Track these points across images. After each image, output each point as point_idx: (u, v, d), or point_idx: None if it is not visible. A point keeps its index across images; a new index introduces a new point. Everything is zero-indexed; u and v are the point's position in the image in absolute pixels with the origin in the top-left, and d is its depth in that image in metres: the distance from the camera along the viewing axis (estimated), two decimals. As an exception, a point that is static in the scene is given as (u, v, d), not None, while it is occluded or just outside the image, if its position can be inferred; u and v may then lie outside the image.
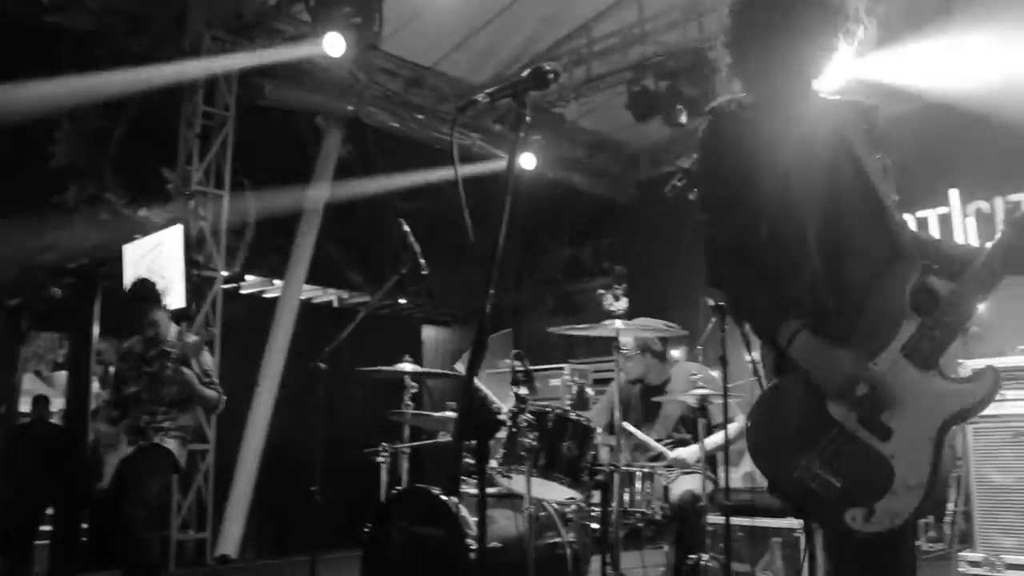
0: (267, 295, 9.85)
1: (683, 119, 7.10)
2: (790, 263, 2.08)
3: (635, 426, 4.57)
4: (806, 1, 2.13)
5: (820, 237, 2.07)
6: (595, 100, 8.25)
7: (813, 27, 2.13)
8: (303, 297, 8.88)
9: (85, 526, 6.37)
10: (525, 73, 2.08)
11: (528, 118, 2.06)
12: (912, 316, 2.00)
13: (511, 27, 7.86)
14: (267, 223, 8.17)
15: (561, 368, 7.06)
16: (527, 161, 8.08)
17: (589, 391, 6.35)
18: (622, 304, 4.97)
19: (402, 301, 10.07)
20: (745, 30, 2.18)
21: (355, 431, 5.59)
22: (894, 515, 1.89)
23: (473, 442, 2.13)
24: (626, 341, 4.61)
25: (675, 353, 4.97)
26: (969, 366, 4.08)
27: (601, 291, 6.79)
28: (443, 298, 11.06)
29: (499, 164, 8.12)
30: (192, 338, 4.67)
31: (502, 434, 3.82)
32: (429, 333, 11.45)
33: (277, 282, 9.09)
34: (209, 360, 4.87)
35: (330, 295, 10.53)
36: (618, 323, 3.88)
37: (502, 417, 3.83)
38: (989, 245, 2.00)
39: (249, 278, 9.09)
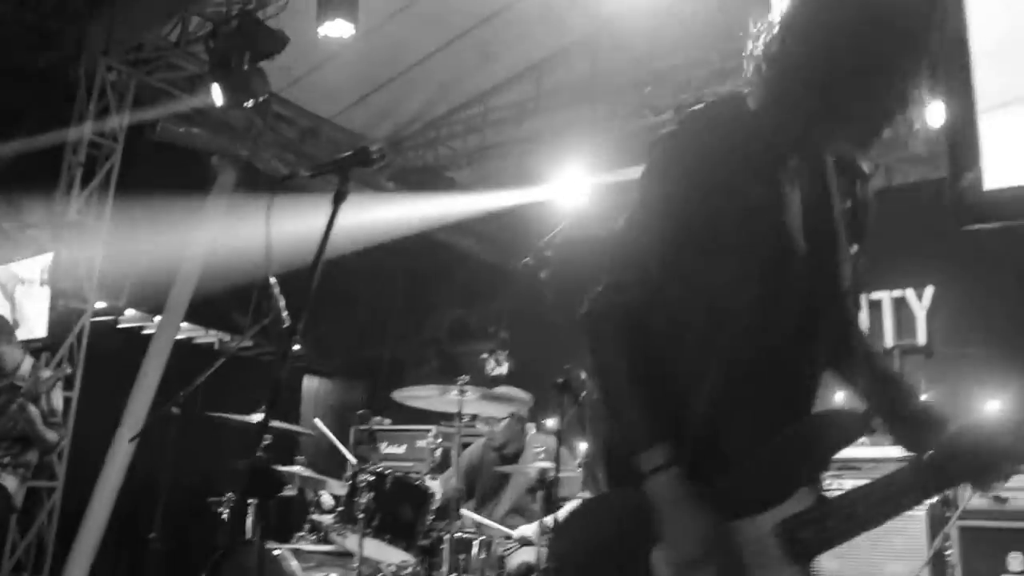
0: (146, 331, 9.65)
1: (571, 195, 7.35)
2: (690, 367, 1.68)
3: (489, 493, 4.64)
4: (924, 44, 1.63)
5: (743, 349, 1.66)
6: (488, 168, 8.44)
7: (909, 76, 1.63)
8: (184, 336, 8.72)
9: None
10: (350, 152, 2.19)
11: (348, 193, 2.16)
12: (813, 490, 1.61)
13: (411, 89, 8.01)
14: (155, 258, 8.03)
15: (429, 429, 7.08)
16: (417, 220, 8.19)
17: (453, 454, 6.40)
18: (503, 369, 5.07)
19: (296, 348, 9.96)
20: (837, 48, 1.60)
21: (209, 479, 5.50)
22: None
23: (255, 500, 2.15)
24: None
25: (529, 427, 5.06)
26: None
27: (484, 355, 6.90)
28: (327, 349, 11.01)
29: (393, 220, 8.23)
30: (46, 373, 4.58)
31: (342, 492, 3.85)
32: (311, 384, 11.34)
33: (158, 318, 8.93)
34: (59, 399, 4.77)
35: (212, 337, 10.36)
36: (454, 392, 3.95)
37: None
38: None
39: (130, 312, 8.90)
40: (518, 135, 7.89)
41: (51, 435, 4.58)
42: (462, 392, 3.84)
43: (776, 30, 1.68)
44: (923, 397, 1.89)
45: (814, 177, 1.76)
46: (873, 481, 1.60)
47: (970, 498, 5.38)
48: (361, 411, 4.01)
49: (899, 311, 7.92)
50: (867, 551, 5.23)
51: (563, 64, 7.86)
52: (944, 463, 1.59)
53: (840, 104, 1.63)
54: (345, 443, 6.28)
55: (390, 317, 10.91)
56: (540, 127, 7.80)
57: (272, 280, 4.76)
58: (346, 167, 2.17)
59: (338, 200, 2.18)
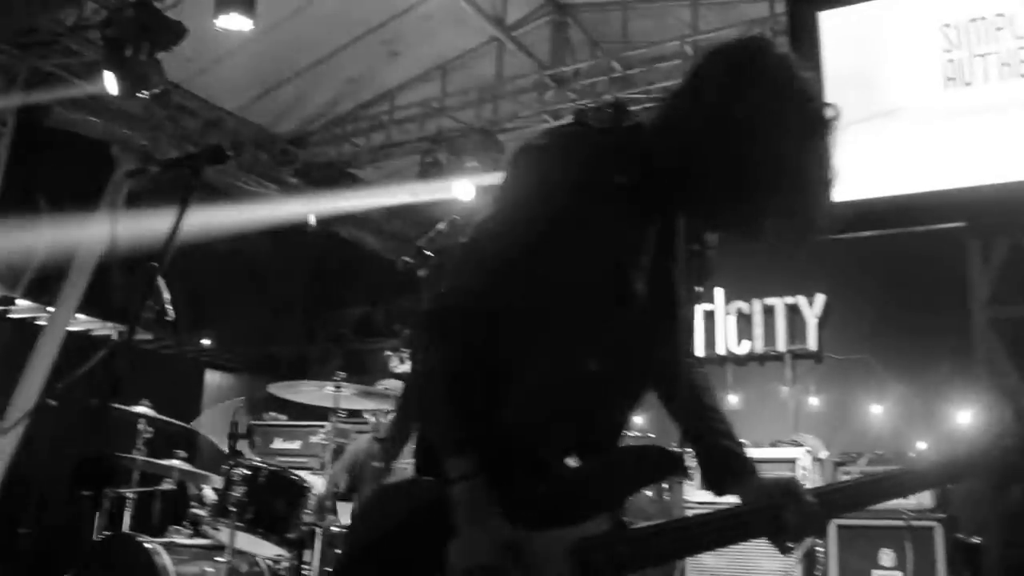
0: (40, 322, 9.40)
1: (466, 195, 7.41)
2: (521, 376, 1.71)
3: (372, 487, 4.67)
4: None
5: (572, 367, 1.71)
6: (391, 166, 8.46)
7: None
8: (80, 328, 8.53)
9: None
10: (202, 149, 2.22)
11: (196, 189, 2.19)
12: (613, 516, 1.66)
13: (316, 85, 7.98)
14: (52, 248, 7.84)
15: (323, 425, 7.08)
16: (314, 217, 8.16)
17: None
18: (407, 367, 5.10)
19: (204, 342, 9.86)
20: (735, 141, 1.58)
21: (77, 472, 5.41)
22: None
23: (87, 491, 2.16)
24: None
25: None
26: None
27: (388, 352, 6.92)
28: (232, 343, 10.88)
29: (292, 214, 8.20)
30: None
31: (219, 485, 3.86)
32: (213, 378, 11.19)
33: (52, 309, 8.71)
34: None
35: (109, 328, 10.15)
36: (329, 388, 3.98)
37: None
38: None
39: (22, 303, 8.67)
40: (422, 133, 7.92)
41: None
42: (338, 387, 3.87)
43: (687, 88, 1.67)
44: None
45: (665, 220, 1.76)
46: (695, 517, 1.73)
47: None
48: (240, 405, 3.98)
49: (792, 318, 8.19)
50: (743, 548, 5.41)
51: (468, 65, 7.94)
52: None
53: (717, 200, 1.65)
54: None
55: (296, 313, 10.85)
56: (444, 126, 7.85)
57: (157, 272, 4.75)
58: (199, 163, 2.20)
59: (186, 194, 2.20)
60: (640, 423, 5.74)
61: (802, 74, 1.62)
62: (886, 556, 6.33)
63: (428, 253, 3.72)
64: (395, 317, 10.41)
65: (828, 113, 1.62)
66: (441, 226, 3.81)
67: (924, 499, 6.36)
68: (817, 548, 5.25)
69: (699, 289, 1.87)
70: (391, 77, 8.08)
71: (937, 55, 3.56)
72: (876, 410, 7.79)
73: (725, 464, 1.86)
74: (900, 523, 6.25)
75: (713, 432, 1.89)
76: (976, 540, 6.82)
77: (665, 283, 1.76)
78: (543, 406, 1.71)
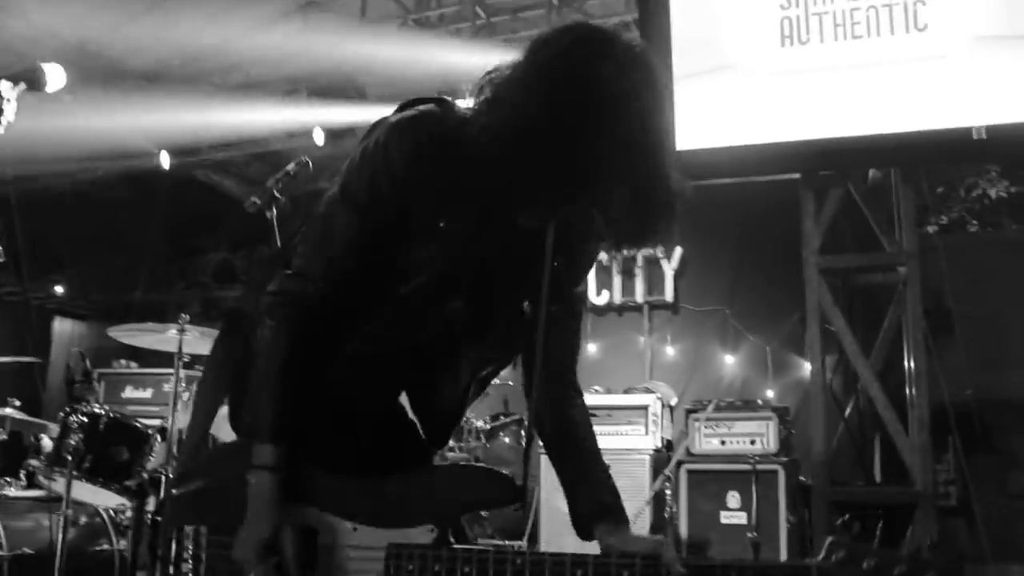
0: None
1: (320, 140, 7.27)
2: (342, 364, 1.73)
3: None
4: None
5: (393, 355, 1.75)
6: (250, 107, 8.18)
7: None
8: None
9: None
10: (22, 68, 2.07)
11: (5, 108, 2.03)
12: (439, 532, 1.64)
13: (176, 20, 7.62)
14: None
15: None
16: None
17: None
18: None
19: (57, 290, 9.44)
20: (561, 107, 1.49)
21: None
22: None
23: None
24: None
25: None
26: None
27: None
28: (84, 290, 10.43)
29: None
30: None
31: (51, 434, 3.69)
32: (63, 326, 10.71)
33: None
34: None
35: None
36: (173, 331, 3.86)
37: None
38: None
39: None
40: (282, 74, 7.67)
41: None
42: (182, 331, 3.75)
43: (510, 72, 1.57)
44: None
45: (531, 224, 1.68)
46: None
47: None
48: (77, 350, 3.80)
49: (650, 270, 8.37)
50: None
51: (331, 6, 7.71)
52: None
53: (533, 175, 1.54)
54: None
55: (152, 259, 10.46)
56: (305, 68, 7.63)
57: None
58: (13, 82, 2.04)
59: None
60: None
61: (635, 44, 1.55)
62: (733, 498, 6.62)
63: (277, 195, 3.60)
64: (255, 264, 10.17)
65: (663, 78, 1.56)
66: (291, 167, 3.70)
67: (770, 444, 6.67)
68: (666, 491, 5.42)
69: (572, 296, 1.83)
70: (251, 14, 7.77)
71: (775, 13, 3.66)
72: (728, 360, 8.08)
73: (598, 514, 1.76)
74: (747, 467, 6.54)
75: (587, 479, 1.81)
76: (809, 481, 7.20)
77: (505, 288, 1.73)
78: (372, 397, 1.77)
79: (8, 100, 2.01)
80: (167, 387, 7.09)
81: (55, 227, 8.41)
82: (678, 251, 8.26)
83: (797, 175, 3.96)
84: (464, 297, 1.69)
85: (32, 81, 2.05)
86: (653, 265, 8.34)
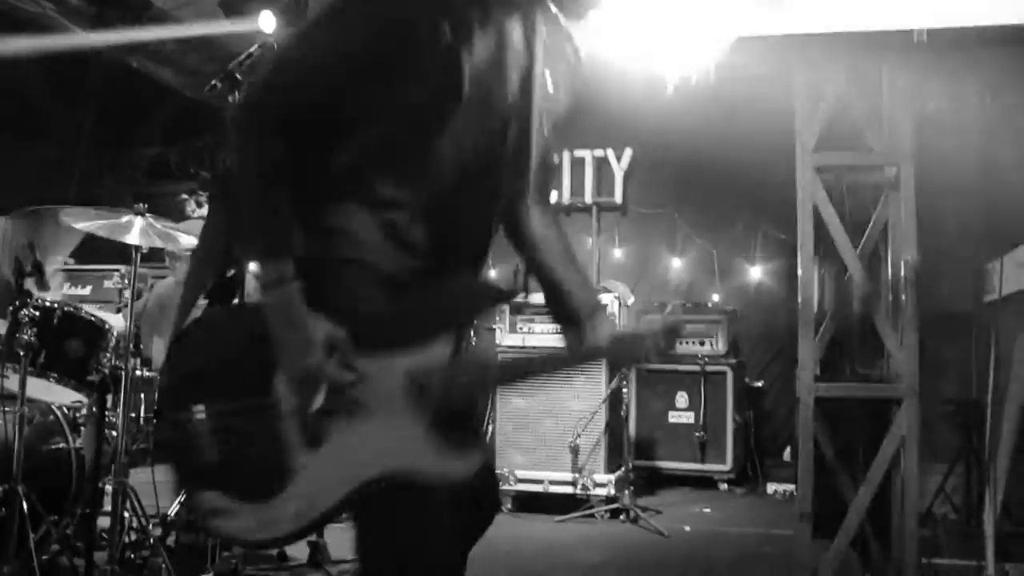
0: None
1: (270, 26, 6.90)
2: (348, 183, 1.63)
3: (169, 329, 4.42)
4: None
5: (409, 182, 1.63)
6: (189, -8, 7.76)
7: None
8: None
9: None
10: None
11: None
12: (453, 346, 1.62)
13: None
14: None
15: (117, 269, 6.64)
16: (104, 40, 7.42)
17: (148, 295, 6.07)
18: (204, 211, 4.75)
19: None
20: None
21: None
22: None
23: None
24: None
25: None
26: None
27: (184, 196, 6.46)
28: (7, 185, 9.96)
29: (77, 40, 7.40)
30: None
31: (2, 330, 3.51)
32: (-20, 221, 10.25)
33: None
34: None
35: None
36: (132, 219, 3.65)
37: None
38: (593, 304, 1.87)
39: None
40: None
41: None
42: (141, 216, 3.56)
43: None
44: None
45: (520, 30, 1.68)
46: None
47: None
48: (26, 243, 3.61)
49: (599, 170, 8.31)
50: (553, 389, 5.57)
51: None
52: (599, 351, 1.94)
53: None
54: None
55: (81, 153, 10.00)
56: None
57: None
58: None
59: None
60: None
61: None
62: (681, 398, 6.74)
63: (239, 78, 3.40)
64: (192, 159, 9.81)
65: None
66: (253, 50, 3.49)
67: (718, 346, 6.78)
68: (623, 389, 5.47)
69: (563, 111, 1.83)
70: None
71: None
72: (676, 263, 8.12)
73: (596, 309, 1.90)
74: (695, 368, 6.65)
75: (583, 282, 1.95)
76: (759, 383, 7.38)
77: (517, 95, 1.69)
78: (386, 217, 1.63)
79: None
80: (108, 284, 6.88)
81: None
82: (628, 152, 8.20)
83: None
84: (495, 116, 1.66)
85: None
86: (603, 165, 8.27)
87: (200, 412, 1.55)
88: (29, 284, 3.55)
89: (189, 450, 1.55)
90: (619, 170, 8.26)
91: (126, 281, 5.35)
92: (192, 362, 1.61)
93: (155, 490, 3.80)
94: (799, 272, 3.12)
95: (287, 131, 1.56)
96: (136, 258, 3.58)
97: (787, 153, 3.17)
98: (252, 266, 3.73)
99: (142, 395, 3.80)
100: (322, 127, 1.61)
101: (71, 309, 3.62)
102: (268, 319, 1.54)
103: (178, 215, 5.51)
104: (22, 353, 3.33)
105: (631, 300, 6.64)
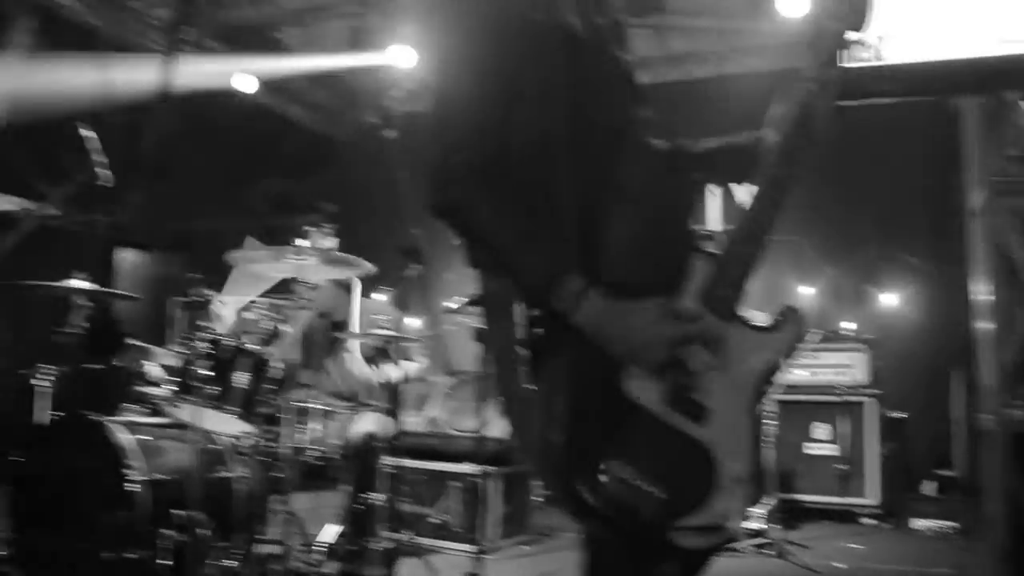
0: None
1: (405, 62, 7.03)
2: (547, 187, 1.59)
3: (317, 360, 4.51)
4: None
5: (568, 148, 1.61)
6: (317, 30, 7.98)
7: None
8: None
9: None
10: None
11: (190, 15, 1.90)
12: (698, 252, 1.58)
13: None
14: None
15: (254, 302, 6.80)
16: (246, 84, 7.66)
17: (286, 328, 6.20)
18: (330, 243, 4.86)
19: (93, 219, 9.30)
20: None
21: (10, 352, 5.07)
22: (724, 519, 1.50)
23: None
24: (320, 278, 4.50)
25: (377, 296, 4.94)
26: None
27: (308, 228, 6.62)
28: (141, 220, 10.34)
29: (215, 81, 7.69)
30: None
31: (174, 362, 3.62)
32: (125, 257, 10.67)
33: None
34: None
35: (9, 204, 9.49)
36: (300, 256, 3.74)
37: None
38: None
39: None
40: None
41: None
42: (302, 254, 3.65)
43: None
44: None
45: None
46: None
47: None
48: (192, 277, 3.72)
49: (726, 199, 8.17)
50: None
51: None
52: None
53: None
54: (165, 316, 5.95)
55: (209, 187, 10.34)
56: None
57: (86, 133, 4.34)
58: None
59: (177, 27, 1.91)
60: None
61: None
62: (819, 429, 6.54)
63: (396, 113, 3.46)
64: (317, 192, 10.04)
65: None
66: (406, 85, 3.55)
67: (858, 375, 6.57)
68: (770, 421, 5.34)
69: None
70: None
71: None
72: (805, 291, 7.92)
73: None
74: (834, 399, 6.46)
75: None
76: (903, 415, 7.11)
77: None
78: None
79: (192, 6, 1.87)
80: (247, 315, 7.04)
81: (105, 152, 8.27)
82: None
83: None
84: None
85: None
86: (729, 194, 8.13)
87: (613, 468, 1.47)
88: (200, 318, 3.65)
89: (642, 500, 1.47)
90: (748, 196, 8.11)
91: (270, 312, 5.49)
92: (575, 427, 1.50)
93: (313, 517, 3.87)
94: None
95: (486, 179, 1.56)
96: (295, 293, 3.66)
97: (920, 176, 3.05)
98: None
99: (301, 426, 3.86)
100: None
101: (239, 343, 3.71)
102: (593, 332, 1.49)
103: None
104: (195, 385, 3.41)
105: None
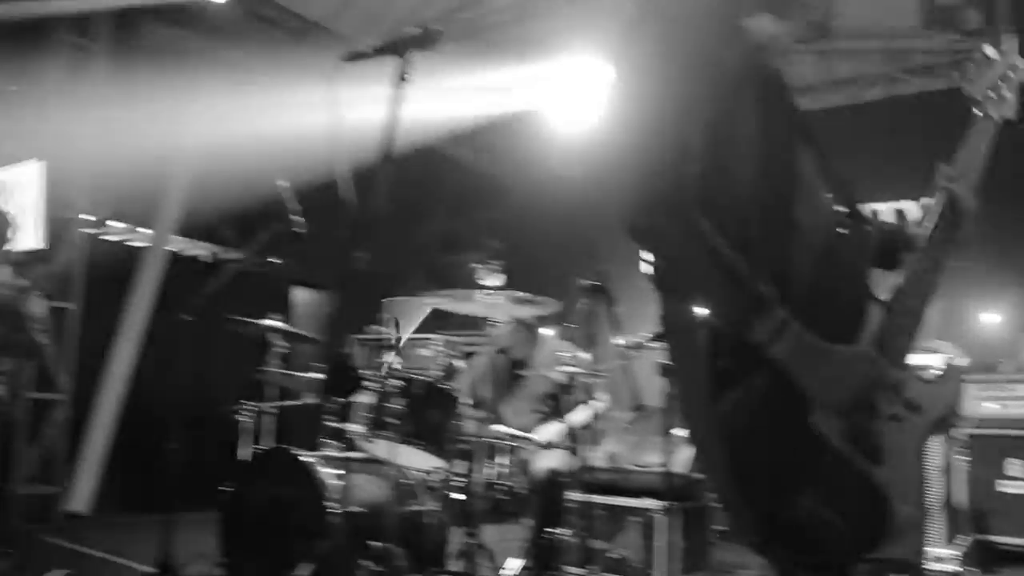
0: (132, 243, 9.45)
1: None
2: (745, 214, 1.62)
3: (499, 397, 4.61)
4: None
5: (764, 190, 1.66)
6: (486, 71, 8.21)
7: None
8: (171, 248, 8.56)
9: None
10: (412, 31, 2.06)
11: (407, 77, 2.04)
12: (874, 300, 1.65)
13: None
14: (138, 168, 7.79)
15: (429, 338, 7.05)
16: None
17: (459, 364, 6.37)
18: (497, 279, 5.00)
19: (274, 261, 9.82)
20: None
21: (216, 389, 5.44)
22: (905, 557, 1.55)
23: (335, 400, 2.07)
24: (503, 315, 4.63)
25: (544, 331, 5.02)
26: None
27: (475, 265, 6.81)
28: (316, 260, 10.83)
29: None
30: (21, 282, 4.42)
31: (367, 399, 3.80)
32: (300, 295, 11.22)
33: (142, 230, 8.74)
34: (39, 307, 4.54)
35: (200, 248, 10.17)
36: (488, 296, 3.87)
37: (370, 383, 3.79)
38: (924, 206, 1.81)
39: (115, 225, 8.70)
40: (519, 34, 7.64)
41: (40, 338, 4.46)
42: (490, 294, 3.78)
43: None
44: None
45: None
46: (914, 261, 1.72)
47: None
48: (387, 317, 3.91)
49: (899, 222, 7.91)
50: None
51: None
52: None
53: None
54: (349, 354, 6.24)
55: (377, 227, 10.73)
56: (540, 28, 7.56)
57: (283, 183, 4.64)
58: (407, 48, 2.04)
59: (400, 85, 2.05)
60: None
61: None
62: (1014, 466, 6.19)
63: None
64: (482, 230, 10.28)
65: None
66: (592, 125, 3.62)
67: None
68: (954, 458, 5.10)
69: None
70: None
71: None
72: (989, 318, 7.56)
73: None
74: (1029, 433, 6.11)
75: None
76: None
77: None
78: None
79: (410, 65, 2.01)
80: (424, 352, 7.28)
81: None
82: (927, 201, 7.74)
83: None
84: None
85: (427, 42, 2.04)
86: (901, 218, 7.86)
87: (806, 497, 1.52)
88: (389, 357, 3.83)
89: (825, 530, 1.52)
90: (921, 219, 7.81)
91: (445, 349, 5.67)
92: (766, 454, 1.56)
93: (500, 550, 3.96)
94: None
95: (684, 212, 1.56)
96: (488, 328, 3.78)
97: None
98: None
99: (488, 461, 3.97)
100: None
101: (430, 380, 3.86)
102: (788, 365, 1.51)
103: (469, 284, 5.79)
104: (390, 421, 3.58)
105: (962, 361, 6.22)
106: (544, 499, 4.12)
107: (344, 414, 4.07)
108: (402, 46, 2.05)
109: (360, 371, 3.77)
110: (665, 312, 1.70)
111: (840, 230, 1.74)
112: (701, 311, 1.60)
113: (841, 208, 1.78)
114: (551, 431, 4.41)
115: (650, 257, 1.66)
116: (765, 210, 1.63)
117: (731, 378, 1.56)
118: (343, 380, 3.52)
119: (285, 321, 4.61)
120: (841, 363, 1.53)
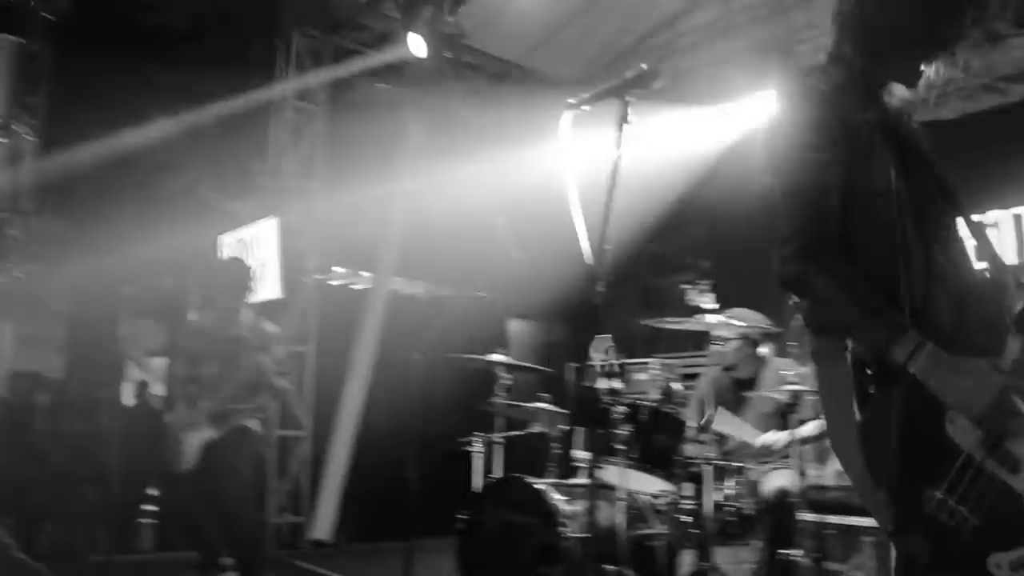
0: (355, 286, 10.02)
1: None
2: (886, 259, 1.81)
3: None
4: None
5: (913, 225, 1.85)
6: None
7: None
8: (391, 288, 9.03)
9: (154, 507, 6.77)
10: (629, 74, 2.14)
11: (630, 120, 2.12)
12: (1014, 331, 1.76)
13: (596, 21, 7.87)
14: (353, 215, 8.29)
15: (646, 363, 7.08)
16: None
17: (676, 386, 6.35)
18: (707, 299, 5.01)
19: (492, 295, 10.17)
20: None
21: (444, 421, 5.69)
22: None
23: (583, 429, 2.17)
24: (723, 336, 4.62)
25: (763, 350, 4.95)
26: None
27: (686, 286, 6.79)
28: (528, 292, 11.09)
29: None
30: (270, 327, 4.73)
31: (600, 427, 3.89)
32: (515, 326, 11.52)
33: (364, 273, 9.26)
34: (281, 352, 4.83)
35: (416, 287, 10.66)
36: (712, 316, 3.90)
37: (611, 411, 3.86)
38: None
39: (338, 270, 9.27)
40: (710, 58, 7.61)
41: (282, 383, 4.77)
42: (713, 314, 3.81)
43: None
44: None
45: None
46: None
47: None
48: (608, 344, 3.99)
49: (1019, 229, 7.31)
50: None
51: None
52: None
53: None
54: (563, 381, 6.36)
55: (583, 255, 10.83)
56: (733, 48, 7.50)
57: (499, 220, 4.87)
58: (625, 91, 2.13)
59: (621, 125, 2.14)
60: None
61: None
62: None
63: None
64: (686, 250, 10.21)
65: None
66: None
67: None
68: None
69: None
70: (671, 2, 7.82)
71: None
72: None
73: None
74: None
75: None
76: None
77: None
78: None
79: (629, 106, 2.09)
80: (641, 376, 7.32)
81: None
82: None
83: None
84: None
85: (643, 83, 2.12)
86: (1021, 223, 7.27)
87: (935, 496, 1.68)
88: (612, 383, 3.90)
89: (960, 523, 1.67)
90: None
91: (663, 372, 5.69)
92: (902, 457, 1.73)
93: (732, 573, 3.95)
94: None
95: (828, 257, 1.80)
96: (713, 349, 3.80)
97: None
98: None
99: (716, 484, 3.97)
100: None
101: (655, 405, 3.92)
102: (925, 379, 1.69)
103: (679, 305, 5.77)
104: (618, 447, 3.65)
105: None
106: (775, 520, 4.06)
107: (569, 441, 4.19)
108: (623, 89, 2.13)
109: (604, 401, 3.86)
110: (815, 346, 1.93)
111: (977, 278, 1.89)
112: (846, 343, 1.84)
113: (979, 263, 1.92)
114: (774, 439, 4.34)
115: (800, 300, 1.91)
116: (905, 254, 1.81)
117: (868, 397, 1.79)
118: (590, 411, 3.63)
119: (506, 354, 4.79)
120: (976, 375, 1.69)
